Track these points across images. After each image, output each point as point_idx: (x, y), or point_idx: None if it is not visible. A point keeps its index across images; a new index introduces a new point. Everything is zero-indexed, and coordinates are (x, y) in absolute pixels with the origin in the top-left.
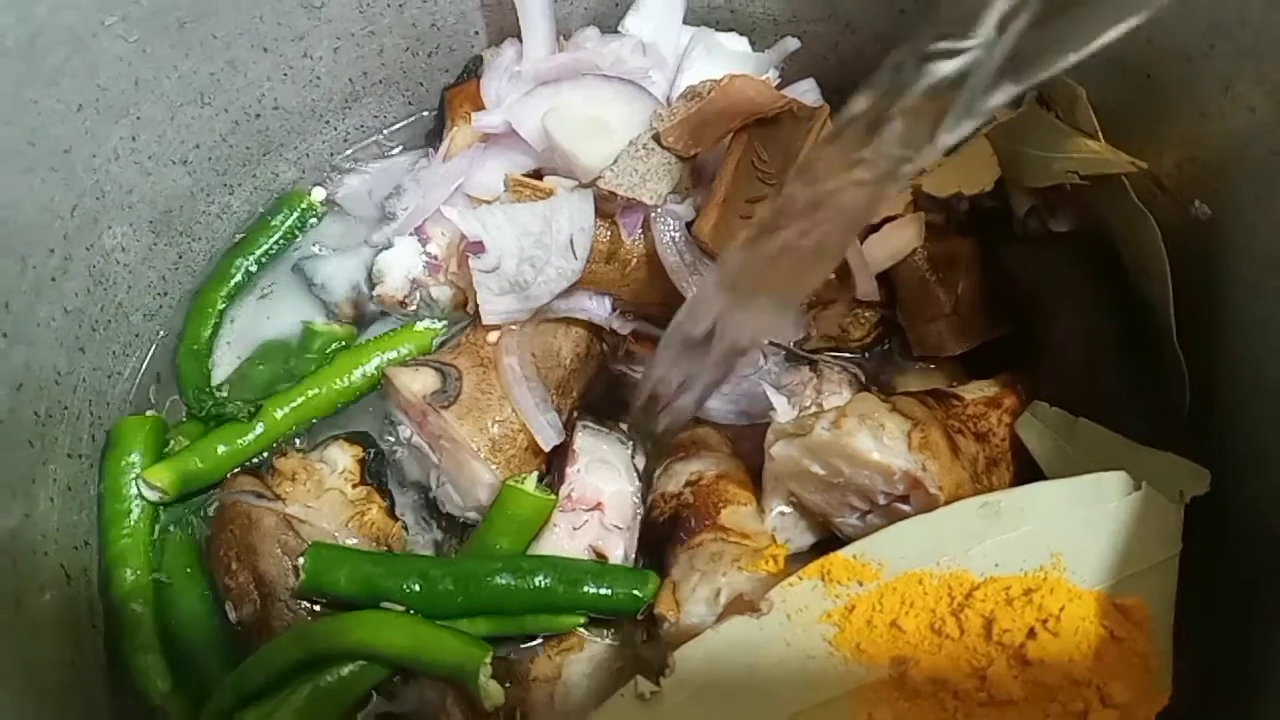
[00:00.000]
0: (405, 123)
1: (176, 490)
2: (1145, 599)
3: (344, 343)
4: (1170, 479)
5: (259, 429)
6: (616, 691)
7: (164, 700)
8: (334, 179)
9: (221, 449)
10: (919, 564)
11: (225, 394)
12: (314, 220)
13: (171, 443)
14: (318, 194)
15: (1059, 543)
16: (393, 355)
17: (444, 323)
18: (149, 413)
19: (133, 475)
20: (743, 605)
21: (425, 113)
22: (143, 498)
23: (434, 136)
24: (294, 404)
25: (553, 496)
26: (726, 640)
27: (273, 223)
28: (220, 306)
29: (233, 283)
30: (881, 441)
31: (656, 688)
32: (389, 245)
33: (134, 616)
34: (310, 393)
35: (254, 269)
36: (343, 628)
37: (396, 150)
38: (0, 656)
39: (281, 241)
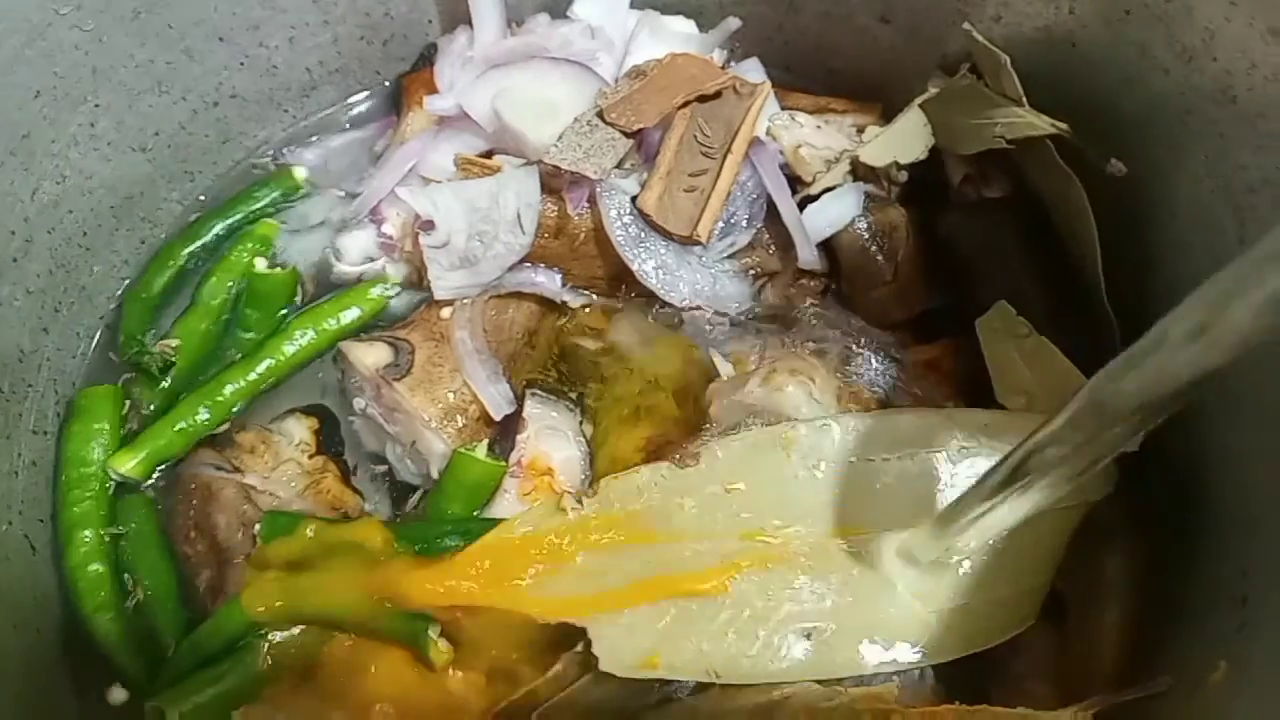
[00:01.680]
0: (363, 109)
1: (144, 474)
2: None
3: (288, 294)
4: None
5: (217, 399)
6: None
7: (122, 657)
8: (293, 163)
9: (182, 426)
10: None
11: (152, 346)
12: (296, 198)
13: (128, 404)
14: (300, 174)
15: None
16: (346, 317)
17: (397, 288)
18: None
19: (94, 443)
20: (672, 454)
21: (382, 99)
22: (104, 473)
23: (391, 122)
24: (249, 376)
25: (502, 463)
26: (649, 479)
27: (257, 194)
28: (181, 262)
29: (199, 242)
30: (811, 396)
31: (579, 505)
32: (346, 225)
33: (92, 577)
34: (265, 364)
35: (223, 233)
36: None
37: (354, 136)
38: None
39: (256, 214)
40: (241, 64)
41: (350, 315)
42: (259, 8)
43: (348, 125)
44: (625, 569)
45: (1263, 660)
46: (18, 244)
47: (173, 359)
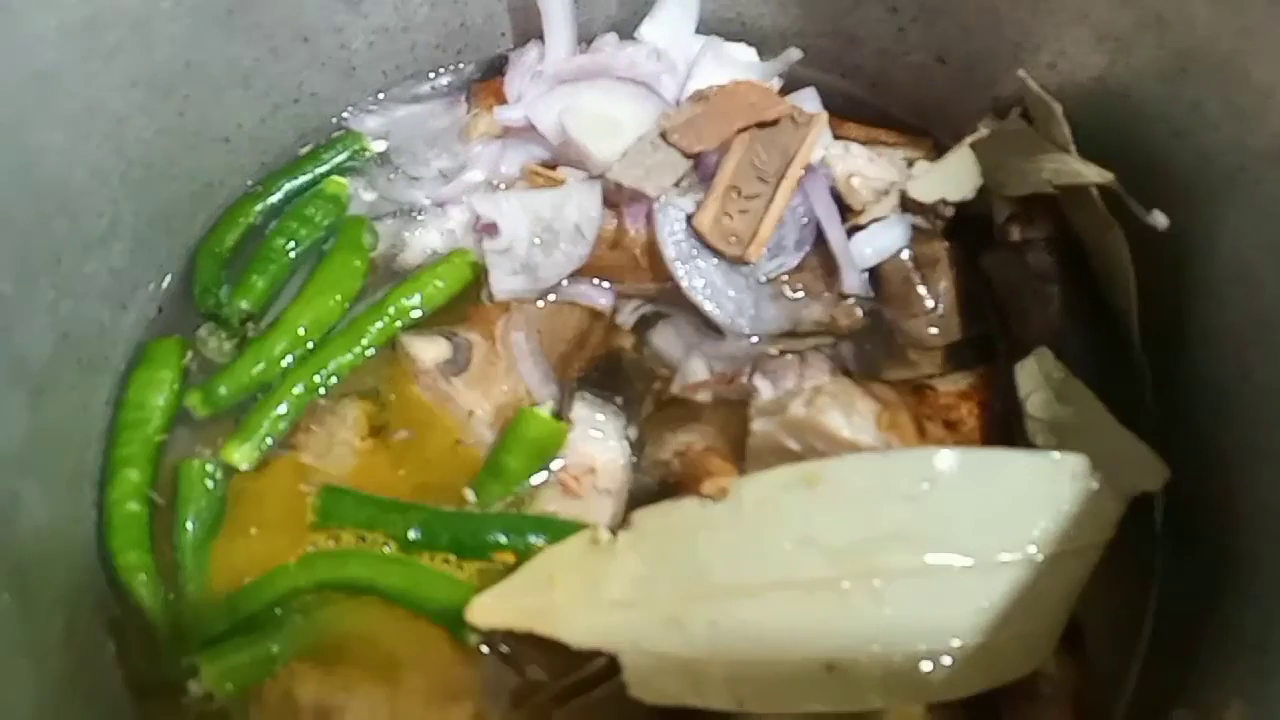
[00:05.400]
0: (433, 113)
1: (256, 463)
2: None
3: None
4: (1130, 464)
5: (313, 378)
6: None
7: (147, 597)
8: (357, 129)
9: (283, 410)
10: (867, 494)
11: (227, 297)
12: (362, 161)
13: (191, 354)
14: (375, 144)
15: (1001, 509)
16: (438, 284)
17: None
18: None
19: (154, 390)
20: (700, 489)
21: (452, 104)
22: (159, 419)
23: (454, 100)
24: (354, 349)
25: (563, 423)
26: (681, 514)
27: (324, 155)
28: (251, 220)
29: (269, 200)
30: (852, 420)
31: (612, 538)
32: (413, 219)
33: (128, 514)
34: (368, 335)
35: (292, 192)
36: (345, 560)
37: (417, 109)
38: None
39: (323, 175)
40: (323, 64)
41: (439, 285)
42: (344, 12)
43: (411, 99)
44: (657, 600)
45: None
46: (105, 224)
47: (252, 311)
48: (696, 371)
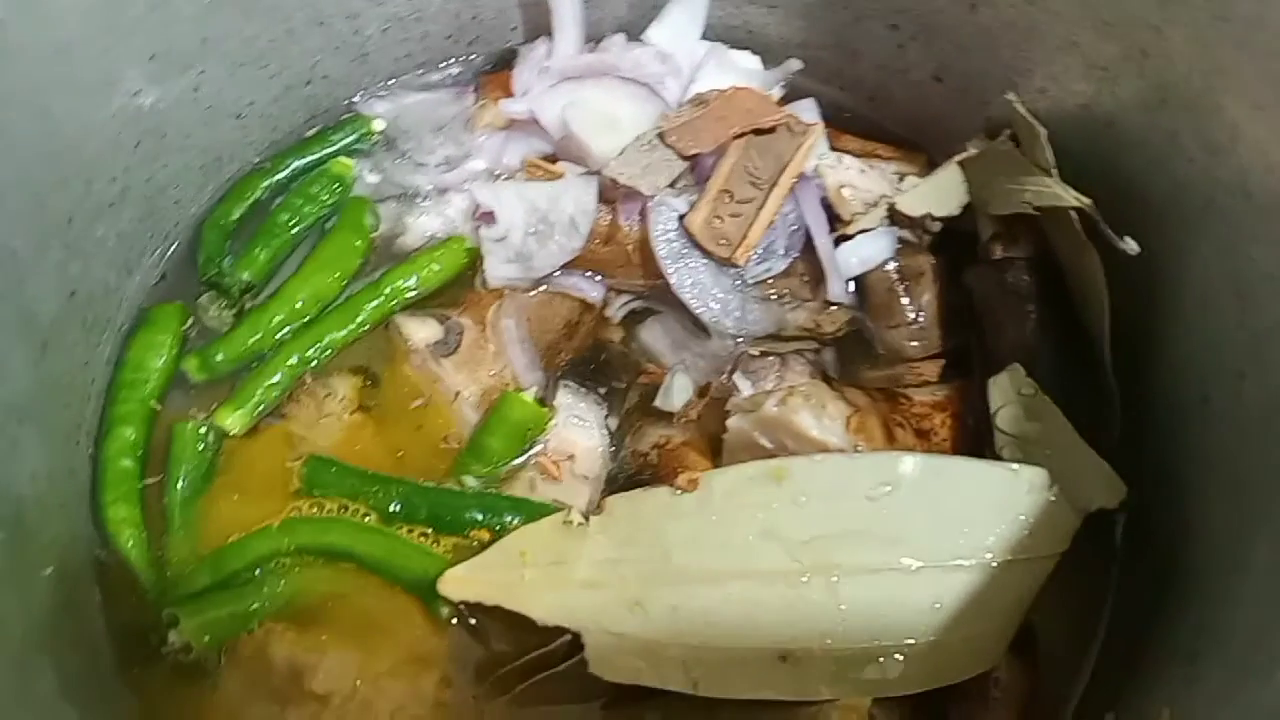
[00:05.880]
0: (441, 102)
1: (246, 427)
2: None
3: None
4: (1090, 481)
5: (308, 353)
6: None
7: (134, 550)
8: (366, 113)
9: (277, 379)
10: (830, 493)
11: (230, 268)
12: (369, 144)
13: (191, 320)
14: (378, 124)
15: (959, 515)
16: (435, 268)
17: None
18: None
19: (153, 353)
20: (673, 481)
21: (460, 94)
22: (155, 381)
23: (463, 91)
24: (348, 326)
25: (544, 409)
26: (652, 502)
27: (332, 137)
28: (258, 195)
29: (276, 177)
30: (821, 421)
31: (584, 521)
32: (415, 205)
33: (120, 470)
34: (363, 314)
35: (299, 169)
36: (326, 527)
37: (426, 97)
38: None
39: (331, 155)
40: (337, 49)
41: (435, 269)
42: None
43: (421, 87)
44: (622, 583)
45: (1206, 707)
46: (117, 190)
47: (252, 283)
48: (685, 390)
